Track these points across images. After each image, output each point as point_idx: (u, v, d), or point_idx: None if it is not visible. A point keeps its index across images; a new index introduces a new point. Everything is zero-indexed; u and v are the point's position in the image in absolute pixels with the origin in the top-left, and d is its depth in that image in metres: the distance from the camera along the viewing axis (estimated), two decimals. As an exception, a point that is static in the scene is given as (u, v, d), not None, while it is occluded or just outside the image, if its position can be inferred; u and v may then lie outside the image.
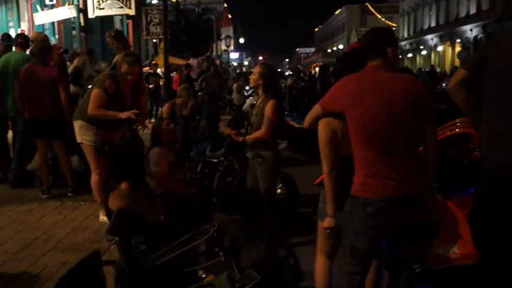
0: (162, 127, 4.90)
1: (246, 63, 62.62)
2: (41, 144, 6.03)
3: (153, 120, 10.51)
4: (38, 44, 6.19)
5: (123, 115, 4.74)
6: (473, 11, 35.39)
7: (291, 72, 28.96)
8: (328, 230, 2.84)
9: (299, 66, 62.81)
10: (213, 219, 4.63)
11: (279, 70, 63.52)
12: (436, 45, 43.19)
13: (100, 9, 14.34)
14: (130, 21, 22.13)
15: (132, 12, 14.77)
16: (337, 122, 2.74)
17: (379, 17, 66.17)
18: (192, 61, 17.78)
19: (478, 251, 2.75)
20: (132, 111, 4.74)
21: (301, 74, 23.57)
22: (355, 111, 2.61)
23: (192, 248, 2.94)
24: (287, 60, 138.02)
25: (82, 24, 17.78)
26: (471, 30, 34.55)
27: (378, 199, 2.59)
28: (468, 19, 35.81)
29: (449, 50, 40.06)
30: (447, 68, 37.71)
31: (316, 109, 2.80)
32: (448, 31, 39.82)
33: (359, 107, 2.59)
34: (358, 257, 2.74)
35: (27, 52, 6.70)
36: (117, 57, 5.10)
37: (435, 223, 2.86)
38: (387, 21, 66.11)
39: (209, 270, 2.82)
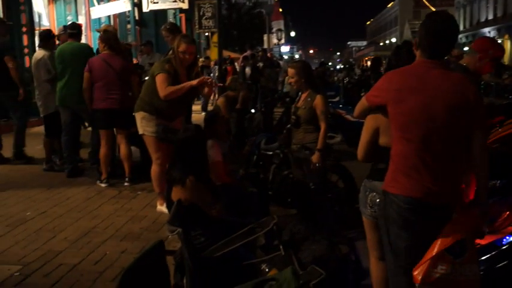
0: (216, 119, 4.89)
1: (297, 56, 62.15)
2: (107, 134, 6.10)
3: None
4: (112, 35, 6.23)
5: (195, 82, 4.83)
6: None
7: (342, 66, 28.49)
8: None
9: (351, 60, 61.70)
10: (269, 212, 4.58)
11: (329, 63, 63.05)
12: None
13: (154, 3, 14.51)
14: (183, 15, 22.48)
15: (185, 6, 14.90)
16: (381, 117, 2.66)
17: (433, 9, 64.00)
18: (249, 53, 17.80)
19: None
20: (201, 78, 4.90)
21: (354, 67, 23.14)
22: (395, 108, 2.49)
23: (251, 241, 2.91)
24: (338, 53, 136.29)
25: (137, 18, 18.17)
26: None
27: (402, 197, 2.47)
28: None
29: (508, 43, 38.34)
30: (506, 60, 36.09)
31: (363, 102, 2.75)
32: (506, 23, 38.08)
33: (399, 104, 2.47)
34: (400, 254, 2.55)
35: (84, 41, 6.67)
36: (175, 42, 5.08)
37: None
38: (442, 14, 63.57)
39: (271, 264, 2.76)
